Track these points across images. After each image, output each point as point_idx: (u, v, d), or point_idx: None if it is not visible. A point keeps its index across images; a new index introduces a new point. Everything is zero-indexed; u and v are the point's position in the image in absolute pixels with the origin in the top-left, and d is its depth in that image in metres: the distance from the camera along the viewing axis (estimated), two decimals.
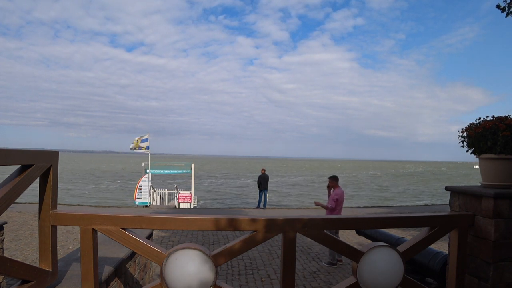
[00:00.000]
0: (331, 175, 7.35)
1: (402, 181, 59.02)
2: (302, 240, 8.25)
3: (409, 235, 7.63)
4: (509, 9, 4.23)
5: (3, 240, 3.97)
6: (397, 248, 2.85)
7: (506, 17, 4.21)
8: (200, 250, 2.55)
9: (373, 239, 4.77)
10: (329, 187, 7.21)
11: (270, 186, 17.56)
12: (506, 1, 4.25)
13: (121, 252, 3.38)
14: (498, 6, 4.26)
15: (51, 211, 2.54)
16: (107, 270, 2.93)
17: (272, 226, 2.67)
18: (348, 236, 9.11)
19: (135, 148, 18.98)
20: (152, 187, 18.97)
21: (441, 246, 6.32)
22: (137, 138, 19.14)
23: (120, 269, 3.25)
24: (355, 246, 2.83)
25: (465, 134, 3.18)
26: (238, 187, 41.89)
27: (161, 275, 2.54)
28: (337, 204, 6.92)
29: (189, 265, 2.53)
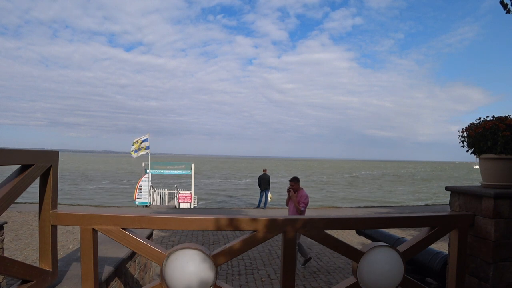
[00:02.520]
0: (292, 177, 6.80)
1: (401, 181, 59.02)
2: (302, 240, 8.25)
3: (409, 235, 7.63)
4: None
5: (3, 240, 3.97)
6: (397, 248, 2.85)
7: (506, 13, 4.17)
8: (200, 250, 2.56)
9: (373, 239, 4.77)
10: (290, 191, 6.66)
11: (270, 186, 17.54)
12: None
13: (121, 252, 3.38)
14: (501, 2, 4.21)
15: (51, 211, 2.54)
16: (107, 270, 2.93)
17: (272, 226, 2.67)
18: (348, 236, 9.11)
19: (137, 151, 18.88)
20: (152, 187, 18.97)
21: (441, 246, 6.32)
22: (136, 140, 19.04)
23: (120, 269, 3.25)
24: (355, 246, 2.84)
25: (465, 134, 3.18)
26: (238, 187, 41.90)
27: (161, 275, 2.54)
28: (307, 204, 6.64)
29: (189, 265, 2.53)
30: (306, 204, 6.54)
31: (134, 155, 18.94)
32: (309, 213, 14.50)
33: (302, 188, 6.76)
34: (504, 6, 4.25)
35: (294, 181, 6.72)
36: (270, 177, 17.56)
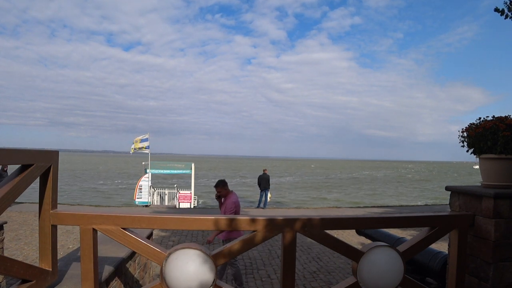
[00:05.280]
0: (217, 182, 5.59)
1: (400, 182, 58.98)
2: (302, 240, 8.25)
3: (409, 235, 7.62)
4: (509, 11, 4.11)
5: (3, 239, 3.97)
6: (397, 248, 2.85)
7: (505, 19, 4.10)
8: (200, 250, 2.56)
9: (373, 239, 4.77)
10: (219, 197, 5.58)
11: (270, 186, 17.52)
12: (506, 3, 4.13)
13: (121, 252, 3.39)
14: (496, 10, 4.13)
15: (51, 211, 2.54)
16: (107, 270, 2.93)
17: (272, 226, 2.67)
18: (348, 236, 9.11)
19: (135, 149, 18.95)
20: (152, 187, 18.96)
21: (441, 246, 6.32)
22: (136, 139, 19.09)
23: (120, 269, 3.25)
24: (355, 246, 2.84)
25: (465, 134, 3.18)
26: (238, 187, 41.89)
27: (161, 275, 2.54)
28: (237, 213, 5.46)
29: (189, 265, 2.53)
30: (236, 212, 5.43)
31: (132, 151, 19.00)
32: (309, 213, 14.52)
33: (231, 192, 5.61)
34: (501, 12, 4.17)
35: (220, 186, 5.53)
36: (270, 177, 17.56)
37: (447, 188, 3.35)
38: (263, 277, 6.12)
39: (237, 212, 5.39)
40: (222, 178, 5.74)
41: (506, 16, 4.12)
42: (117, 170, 73.74)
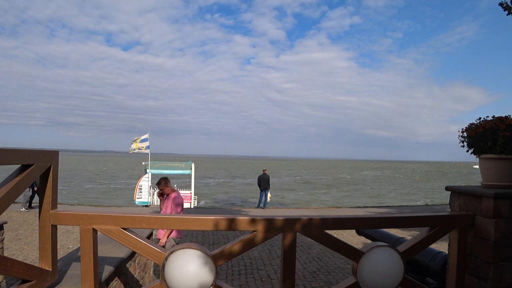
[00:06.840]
0: (159, 179, 5.65)
1: (401, 181, 58.97)
2: (302, 240, 8.26)
3: (409, 235, 7.62)
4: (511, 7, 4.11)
5: (3, 239, 3.97)
6: (397, 248, 2.85)
7: (507, 15, 4.10)
8: (200, 250, 2.56)
9: (373, 239, 4.77)
10: (162, 194, 5.65)
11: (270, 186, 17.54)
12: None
13: (121, 252, 3.39)
14: (501, 4, 4.12)
15: (51, 211, 2.54)
16: (107, 270, 2.93)
17: (272, 226, 2.67)
18: (348, 236, 9.11)
19: (135, 149, 18.93)
20: (152, 187, 18.96)
21: (441, 246, 6.32)
22: (136, 138, 19.07)
23: (120, 269, 3.25)
24: (355, 246, 2.84)
25: (465, 134, 3.18)
26: (238, 187, 41.90)
27: (161, 275, 2.54)
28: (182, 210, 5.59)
29: (189, 265, 2.53)
30: (181, 210, 5.51)
31: (131, 152, 18.97)
32: (310, 213, 14.51)
33: (174, 190, 5.65)
34: (505, 8, 4.16)
35: (162, 183, 5.58)
36: (270, 177, 17.58)
37: (447, 188, 3.35)
38: (263, 277, 6.12)
39: (181, 209, 5.51)
40: (165, 176, 5.79)
41: (509, 13, 4.11)
42: (116, 170, 73.72)
